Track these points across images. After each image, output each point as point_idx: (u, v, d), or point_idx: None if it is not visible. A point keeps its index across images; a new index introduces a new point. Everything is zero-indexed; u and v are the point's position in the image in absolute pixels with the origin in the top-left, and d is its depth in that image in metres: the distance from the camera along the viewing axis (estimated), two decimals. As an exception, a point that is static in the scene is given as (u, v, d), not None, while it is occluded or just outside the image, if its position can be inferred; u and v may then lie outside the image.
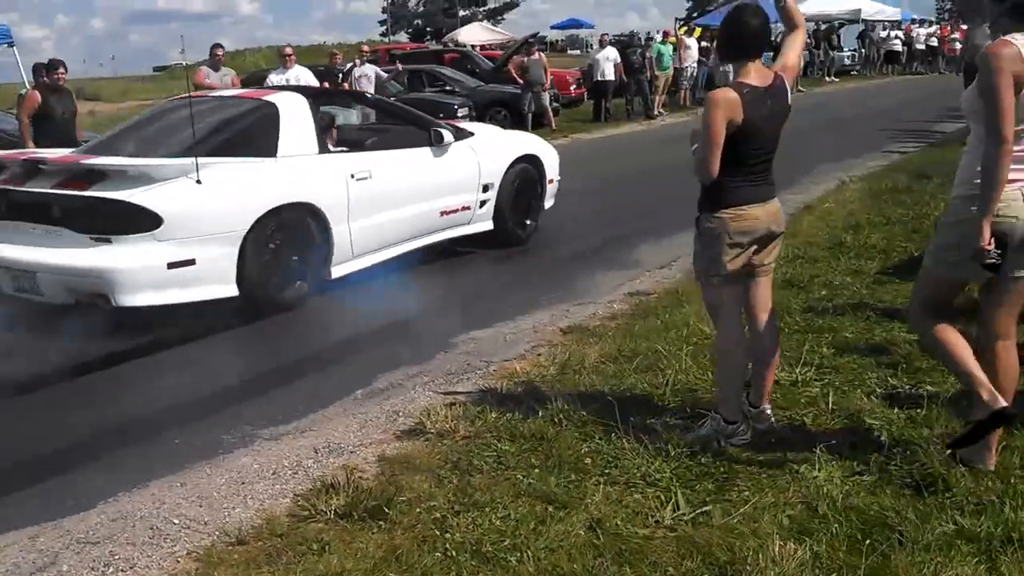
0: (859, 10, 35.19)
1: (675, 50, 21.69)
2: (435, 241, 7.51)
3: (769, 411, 3.95)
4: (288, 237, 6.23)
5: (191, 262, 5.67)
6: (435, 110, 15.86)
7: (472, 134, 8.08)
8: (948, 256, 3.39)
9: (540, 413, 4.19)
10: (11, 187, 5.95)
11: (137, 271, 5.51)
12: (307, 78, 11.79)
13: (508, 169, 8.02)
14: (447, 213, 7.49)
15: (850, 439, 3.74)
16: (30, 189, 5.87)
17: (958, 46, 36.54)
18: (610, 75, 19.32)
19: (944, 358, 3.53)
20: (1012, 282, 3.35)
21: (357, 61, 14.27)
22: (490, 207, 7.93)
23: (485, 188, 7.83)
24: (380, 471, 3.83)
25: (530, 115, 17.33)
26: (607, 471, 3.64)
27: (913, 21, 37.97)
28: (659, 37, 22.51)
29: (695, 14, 69.30)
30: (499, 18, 63.98)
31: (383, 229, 6.90)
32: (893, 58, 34.00)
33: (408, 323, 5.97)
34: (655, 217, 9.07)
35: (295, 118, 6.59)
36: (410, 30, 63.28)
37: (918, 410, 3.96)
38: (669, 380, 4.48)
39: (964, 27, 38.46)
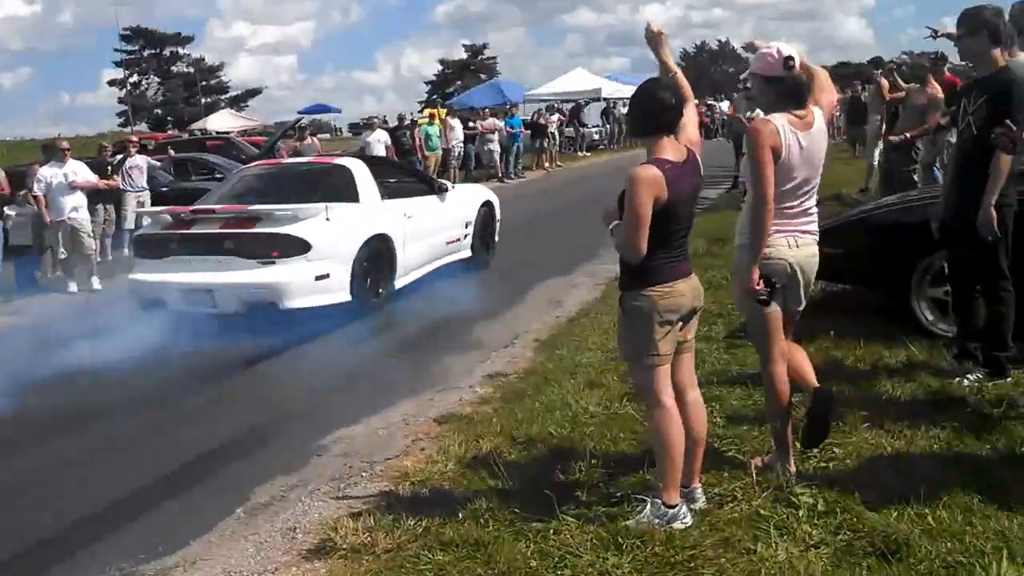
0: (599, 89, 37.53)
1: (441, 132, 22.08)
2: (441, 264, 9.78)
3: (700, 490, 3.91)
4: (375, 258, 8.44)
5: (327, 276, 7.84)
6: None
7: (453, 187, 11.01)
8: (752, 298, 3.88)
9: (460, 515, 3.92)
10: (186, 231, 8.16)
11: (296, 283, 7.67)
12: (84, 172, 10.96)
13: (478, 211, 10.82)
14: (450, 242, 10.08)
15: (788, 511, 3.73)
16: (204, 231, 8.04)
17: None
18: (383, 153, 19.29)
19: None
20: (794, 313, 4.13)
21: (132, 151, 13.43)
22: (469, 239, 10.57)
23: (466, 224, 10.49)
24: (307, 601, 3.43)
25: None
26: (560, 572, 3.43)
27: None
28: (425, 119, 22.88)
29: (435, 96, 71.72)
30: (242, 105, 62.93)
31: (420, 253, 9.31)
32: (636, 132, 36.25)
33: (264, 427, 5.55)
34: (481, 295, 9.01)
35: (363, 175, 8.95)
36: (150, 120, 60.97)
37: (828, 469, 4.07)
38: (580, 466, 4.34)
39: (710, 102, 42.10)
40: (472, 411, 5.48)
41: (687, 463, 3.78)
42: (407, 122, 20.89)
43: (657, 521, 3.66)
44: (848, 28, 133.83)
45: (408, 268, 9.04)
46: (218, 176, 17.25)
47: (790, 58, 3.86)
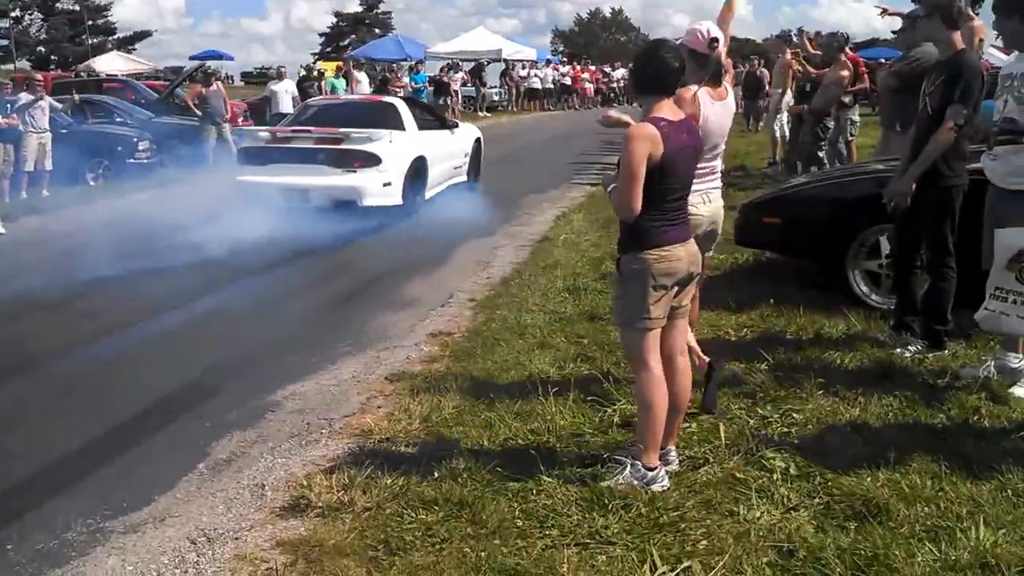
0: (500, 49, 37.39)
1: (347, 84, 21.62)
2: (450, 184, 12.64)
3: (674, 453, 3.98)
4: (415, 174, 11.14)
5: (390, 184, 10.59)
6: (112, 144, 14.62)
7: (457, 125, 13.79)
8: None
9: (436, 474, 3.90)
10: (286, 145, 10.84)
11: (371, 188, 10.42)
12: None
13: (472, 145, 13.78)
14: (456, 168, 13.00)
15: (761, 474, 3.82)
16: (300, 145, 10.74)
17: (588, 86, 40.28)
18: (288, 108, 18.76)
19: None
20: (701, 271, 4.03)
21: (40, 90, 12.71)
22: (466, 167, 13.54)
23: (465, 155, 13.46)
24: (291, 560, 3.34)
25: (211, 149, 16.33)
26: (547, 532, 3.43)
27: (547, 62, 40.92)
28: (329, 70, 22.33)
29: (329, 49, 70.10)
30: (130, 48, 60.03)
31: (441, 173, 12.20)
32: (534, 95, 36.39)
33: (202, 382, 5.38)
34: (405, 254, 8.92)
35: (405, 111, 11.86)
36: (32, 57, 57.57)
37: (791, 434, 4.21)
38: (549, 426, 4.35)
39: (592, 68, 42.36)
40: (423, 369, 5.42)
41: (667, 427, 3.84)
42: (315, 73, 20.30)
43: (636, 483, 3.72)
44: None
45: (433, 185, 11.89)
46: (117, 119, 16.50)
47: (715, 40, 4.23)
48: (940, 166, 4.99)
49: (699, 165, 3.98)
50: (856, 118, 11.07)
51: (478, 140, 14.20)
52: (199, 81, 17.00)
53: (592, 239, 9.21)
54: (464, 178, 13.43)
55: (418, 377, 5.26)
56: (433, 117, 13.36)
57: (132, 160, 14.59)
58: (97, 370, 5.69)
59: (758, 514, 3.50)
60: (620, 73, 45.72)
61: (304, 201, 10.22)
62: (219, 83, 17.69)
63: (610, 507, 3.55)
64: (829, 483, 3.71)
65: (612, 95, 43.14)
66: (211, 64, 42.27)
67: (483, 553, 3.25)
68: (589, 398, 4.67)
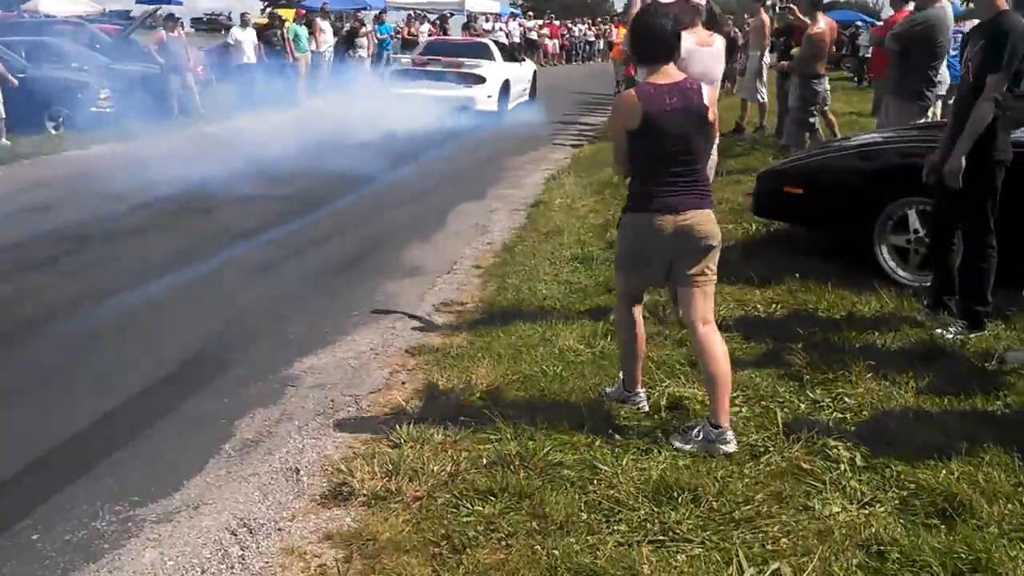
0: (463, 1, 36.62)
1: (311, 33, 20.92)
2: (518, 103, 18.21)
3: (730, 433, 3.77)
4: (504, 90, 16.82)
5: (491, 96, 16.32)
6: (72, 91, 13.98)
7: (524, 60, 20.71)
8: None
9: (484, 460, 3.67)
10: (424, 67, 16.62)
11: (481, 97, 16.11)
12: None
13: (531, 75, 19.83)
14: (523, 90, 18.90)
15: (827, 464, 3.64)
16: (434, 68, 16.49)
17: (549, 43, 39.73)
18: (252, 58, 18.17)
19: None
20: None
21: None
22: (528, 91, 19.50)
23: (528, 81, 19.40)
24: (345, 556, 3.10)
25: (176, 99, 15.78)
26: (615, 527, 3.23)
27: (512, 16, 40.24)
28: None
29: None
30: (73, -14, 57.70)
31: (516, 92, 17.98)
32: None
33: (211, 354, 5.09)
34: (397, 218, 8.61)
35: (494, 48, 18.14)
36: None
37: (847, 420, 4.04)
38: (595, 408, 4.13)
39: (557, 24, 41.76)
40: (443, 343, 5.17)
41: (711, 402, 3.82)
42: (277, 21, 19.57)
43: (617, 391, 4.19)
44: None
45: (512, 99, 17.60)
46: (73, 65, 15.77)
47: None
48: (982, 139, 4.81)
49: None
50: (827, 86, 10.92)
51: (534, 72, 20.37)
52: (160, 26, 16.29)
53: (589, 204, 8.97)
54: (527, 98, 19.19)
55: (439, 351, 5.01)
56: (508, 54, 18.81)
57: (94, 108, 13.96)
58: (90, 341, 5.31)
59: (835, 509, 3.33)
60: (582, 29, 45.34)
61: (440, 105, 14.94)
62: (181, 30, 16.99)
63: (679, 500, 3.35)
64: (901, 476, 3.54)
65: (575, 52, 42.72)
66: (155, 9, 40.93)
67: (556, 552, 3.04)
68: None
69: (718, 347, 3.82)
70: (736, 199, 8.48)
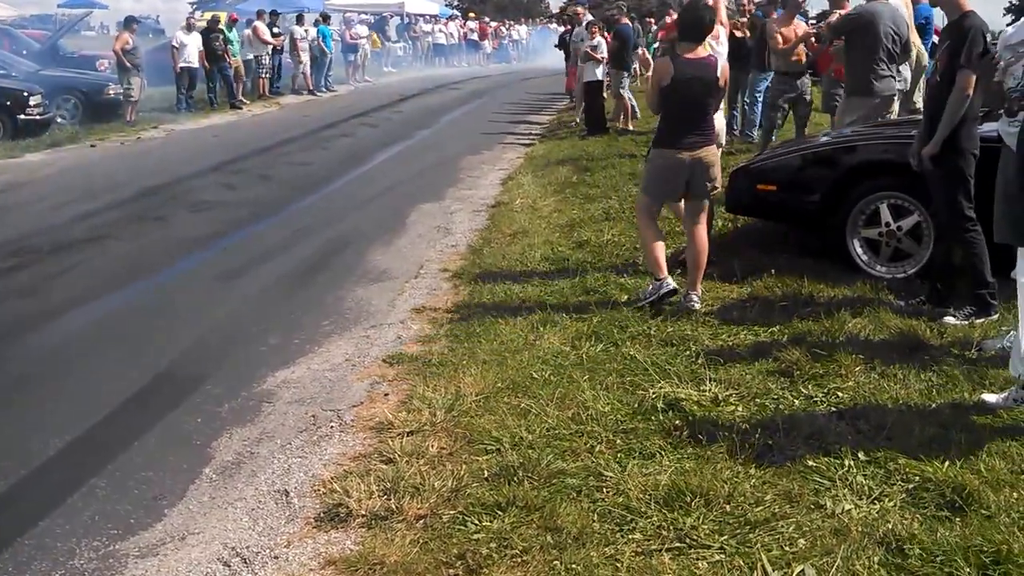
0: (403, 3, 36.39)
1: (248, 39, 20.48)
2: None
3: (696, 297, 5.36)
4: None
5: None
6: (3, 98, 13.56)
7: None
8: None
9: (485, 472, 3.54)
10: None
11: None
12: None
13: None
14: None
15: (831, 460, 3.58)
16: None
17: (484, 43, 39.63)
18: (195, 61, 17.78)
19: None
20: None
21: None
22: None
23: None
24: (354, 584, 2.96)
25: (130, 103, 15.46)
26: (630, 536, 3.12)
27: (451, 18, 40.03)
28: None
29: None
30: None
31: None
32: (440, 50, 35.58)
33: (176, 371, 4.88)
34: (357, 221, 8.43)
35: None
36: None
37: (843, 415, 4.00)
38: (591, 413, 4.02)
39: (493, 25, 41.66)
40: (421, 351, 5.02)
41: (692, 274, 5.41)
42: (219, 26, 19.13)
43: (651, 288, 5.39)
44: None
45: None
46: (0, 72, 15.24)
47: None
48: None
49: None
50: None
51: None
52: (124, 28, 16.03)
53: (551, 204, 8.85)
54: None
55: (419, 360, 4.86)
56: None
57: (23, 116, 13.50)
58: (48, 360, 5.08)
59: (847, 506, 3.26)
60: (523, 31, 45.32)
61: None
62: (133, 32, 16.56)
63: (691, 504, 3.26)
64: (906, 469, 3.49)
65: (515, 52, 42.69)
66: (85, 13, 39.93)
67: (575, 566, 2.93)
68: (623, 380, 4.37)
69: (704, 238, 5.44)
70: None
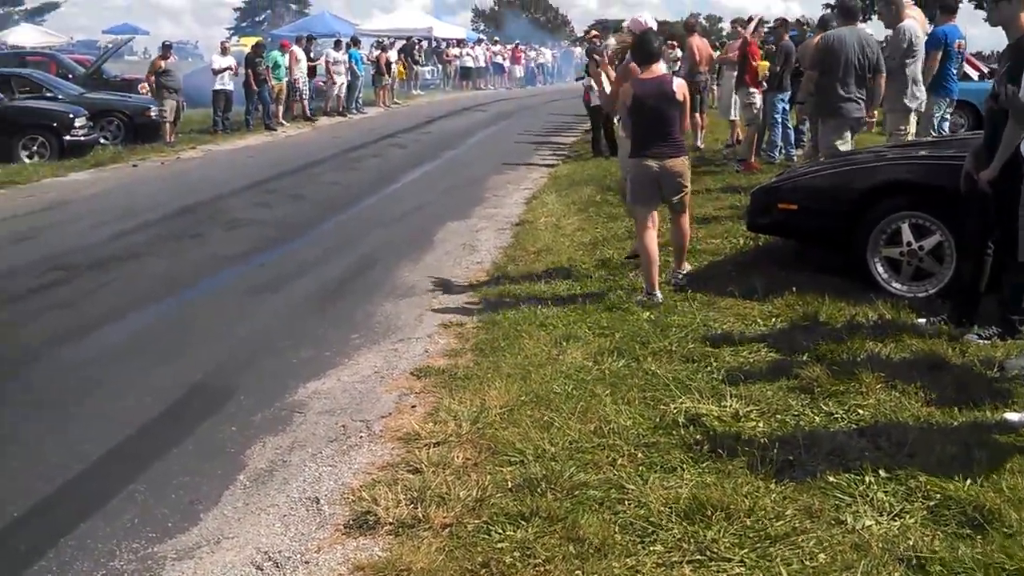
0: (431, 28, 36.83)
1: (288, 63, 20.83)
2: None
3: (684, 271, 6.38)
4: None
5: None
6: (49, 119, 13.87)
7: None
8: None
9: (509, 483, 3.62)
10: None
11: None
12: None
13: None
14: None
15: (851, 476, 3.63)
16: None
17: (512, 66, 39.89)
18: (230, 84, 18.11)
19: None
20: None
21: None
22: None
23: None
24: (381, 589, 3.04)
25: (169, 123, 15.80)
26: (651, 548, 3.18)
27: (478, 41, 40.39)
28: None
29: (245, 24, 68.05)
30: (38, 19, 57.28)
31: None
32: (467, 74, 35.91)
33: (221, 382, 4.99)
34: (385, 239, 8.57)
35: None
36: (-66, 29, 54.58)
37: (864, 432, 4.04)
38: (613, 427, 4.10)
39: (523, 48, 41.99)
40: (448, 364, 5.12)
41: (677, 255, 6.40)
42: (264, 50, 19.53)
43: (642, 298, 5.92)
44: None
45: None
46: (47, 95, 15.65)
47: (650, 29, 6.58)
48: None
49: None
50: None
51: None
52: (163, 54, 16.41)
53: (574, 223, 8.97)
54: None
55: (445, 373, 4.96)
56: None
57: (69, 137, 13.85)
58: (88, 371, 5.24)
59: (868, 522, 3.30)
60: (548, 54, 45.63)
61: None
62: (173, 56, 16.97)
63: (712, 518, 3.33)
64: (927, 486, 3.53)
65: (541, 75, 42.95)
66: (128, 39, 40.74)
67: None
68: (644, 395, 4.44)
69: (685, 226, 6.29)
70: (721, 214, 8.55)
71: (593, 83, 9.46)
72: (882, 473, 3.66)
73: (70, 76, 18.66)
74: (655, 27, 6.45)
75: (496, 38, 42.80)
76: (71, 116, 14.04)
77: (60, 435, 4.38)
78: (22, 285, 6.91)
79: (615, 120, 12.02)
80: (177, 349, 5.57)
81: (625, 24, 6.81)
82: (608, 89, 6.92)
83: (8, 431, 4.46)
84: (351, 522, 3.48)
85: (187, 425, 4.45)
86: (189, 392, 4.89)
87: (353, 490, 3.70)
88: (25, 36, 36.83)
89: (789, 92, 11.29)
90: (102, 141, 15.09)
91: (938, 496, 3.46)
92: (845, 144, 7.45)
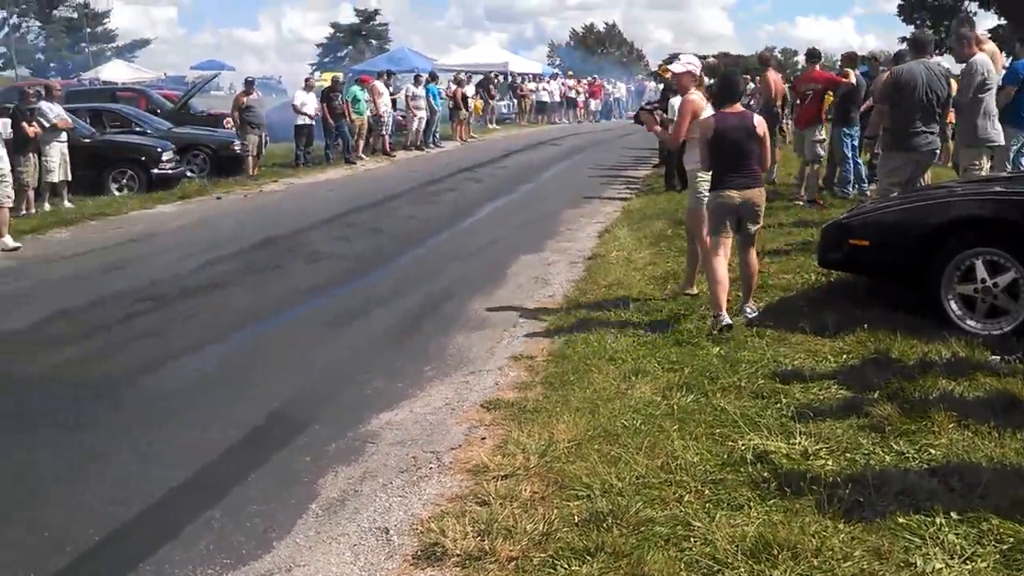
0: (507, 63, 37.24)
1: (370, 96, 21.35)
2: None
3: (752, 306, 6.44)
4: None
5: None
6: (138, 153, 14.44)
7: None
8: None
9: (576, 517, 3.66)
10: None
11: None
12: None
13: None
14: None
15: (922, 518, 3.60)
16: None
17: (588, 100, 40.06)
18: (311, 119, 18.63)
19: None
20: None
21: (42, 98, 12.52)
22: None
23: None
24: (447, 619, 3.12)
25: (252, 157, 16.31)
26: (719, 585, 3.22)
27: (553, 76, 40.71)
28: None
29: (327, 59, 69.94)
30: (130, 56, 59.75)
31: None
32: (543, 108, 36.21)
33: (297, 412, 5.15)
34: (459, 273, 8.72)
35: None
36: (32, 65, 57.30)
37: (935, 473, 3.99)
38: (680, 463, 4.12)
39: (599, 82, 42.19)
40: (517, 397, 5.20)
41: (745, 291, 6.45)
42: (341, 85, 20.06)
43: (711, 322, 6.11)
44: (710, 20, 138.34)
45: None
46: (136, 129, 16.31)
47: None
48: None
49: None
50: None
51: None
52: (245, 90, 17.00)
53: (645, 257, 8.99)
54: None
55: (515, 406, 5.04)
56: None
57: (156, 170, 14.41)
58: (169, 399, 5.45)
59: (938, 565, 3.27)
60: (623, 88, 45.72)
61: None
62: (256, 91, 17.47)
63: (779, 557, 3.33)
64: (1000, 529, 3.48)
65: (617, 109, 43.04)
66: (215, 74, 42.16)
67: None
68: (712, 431, 4.46)
69: (754, 263, 6.43)
70: (793, 248, 8.53)
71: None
72: (954, 515, 3.61)
73: (158, 111, 19.40)
74: (696, 70, 7.05)
75: (570, 71, 42.97)
76: (159, 150, 14.61)
77: (142, 461, 4.57)
78: (111, 315, 7.22)
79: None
80: (256, 379, 5.77)
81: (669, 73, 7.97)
82: (662, 130, 7.37)
83: (93, 457, 4.67)
84: (419, 553, 3.56)
85: (264, 454, 4.61)
86: (267, 421, 5.06)
87: (422, 521, 3.79)
88: (117, 72, 38.36)
89: (858, 127, 11.19)
90: (188, 174, 15.64)
91: (1011, 540, 3.41)
92: (896, 178, 7.58)
